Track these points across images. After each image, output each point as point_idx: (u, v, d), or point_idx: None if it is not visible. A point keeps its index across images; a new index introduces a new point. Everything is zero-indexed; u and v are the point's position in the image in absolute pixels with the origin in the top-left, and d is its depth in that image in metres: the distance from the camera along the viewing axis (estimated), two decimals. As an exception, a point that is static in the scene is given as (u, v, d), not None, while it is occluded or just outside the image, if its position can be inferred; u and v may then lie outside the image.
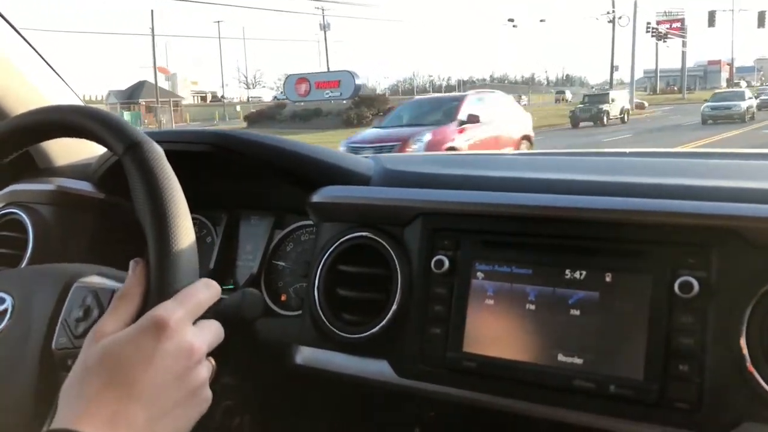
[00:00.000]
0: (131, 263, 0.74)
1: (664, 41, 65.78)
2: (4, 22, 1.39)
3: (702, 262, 0.86)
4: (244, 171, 1.29)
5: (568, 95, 74.25)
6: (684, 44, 74.99)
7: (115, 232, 1.40)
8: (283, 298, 1.31)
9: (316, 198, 1.17)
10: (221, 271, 1.40)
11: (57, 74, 1.54)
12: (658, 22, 73.48)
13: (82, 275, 0.90)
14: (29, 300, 0.90)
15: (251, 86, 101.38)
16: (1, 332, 0.86)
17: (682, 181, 1.02)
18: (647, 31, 58.80)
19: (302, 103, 37.54)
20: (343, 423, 1.24)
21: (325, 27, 56.88)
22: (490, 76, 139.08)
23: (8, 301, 0.88)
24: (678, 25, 73.67)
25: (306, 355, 1.12)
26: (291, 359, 1.13)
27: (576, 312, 0.91)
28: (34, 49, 1.48)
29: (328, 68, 51.96)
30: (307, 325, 1.13)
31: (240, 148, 1.23)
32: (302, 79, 37.86)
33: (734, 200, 0.89)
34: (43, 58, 1.50)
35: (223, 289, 1.14)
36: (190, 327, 0.68)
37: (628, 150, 1.56)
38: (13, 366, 0.85)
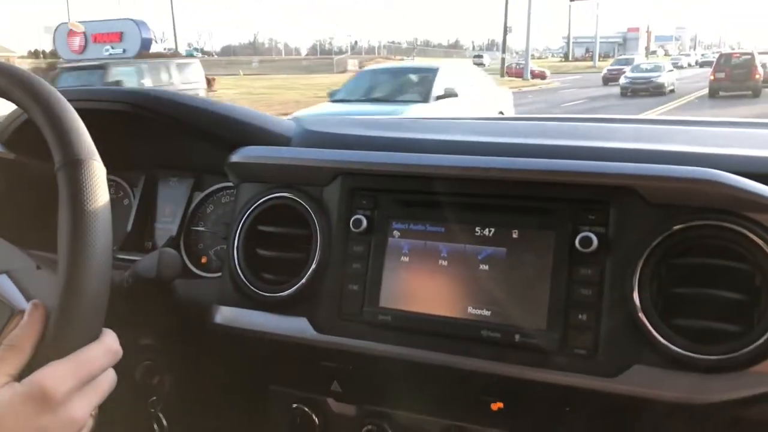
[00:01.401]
0: (29, 305, 0.73)
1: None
2: None
3: (601, 218, 0.98)
4: (162, 131, 1.33)
5: (486, 60, 75.91)
6: (597, 6, 78.11)
7: (27, 193, 1.41)
8: (203, 260, 1.38)
9: (235, 158, 1.23)
10: (139, 233, 1.44)
11: None
12: None
13: None
14: None
15: (158, 41, 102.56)
16: None
17: (584, 143, 1.13)
18: None
19: (80, 62, 27.49)
20: (263, 380, 1.31)
21: None
22: (415, 39, 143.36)
23: None
24: None
25: (225, 314, 1.19)
26: (210, 319, 1.20)
27: (485, 267, 1.02)
28: None
29: (174, 22, 43.66)
30: (227, 286, 1.20)
31: (157, 108, 1.27)
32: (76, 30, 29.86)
33: (631, 161, 1.01)
34: None
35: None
36: (77, 396, 0.68)
37: (537, 115, 1.78)
38: None
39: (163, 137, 1.38)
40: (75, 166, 0.73)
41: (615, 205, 0.98)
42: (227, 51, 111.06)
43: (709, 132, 1.36)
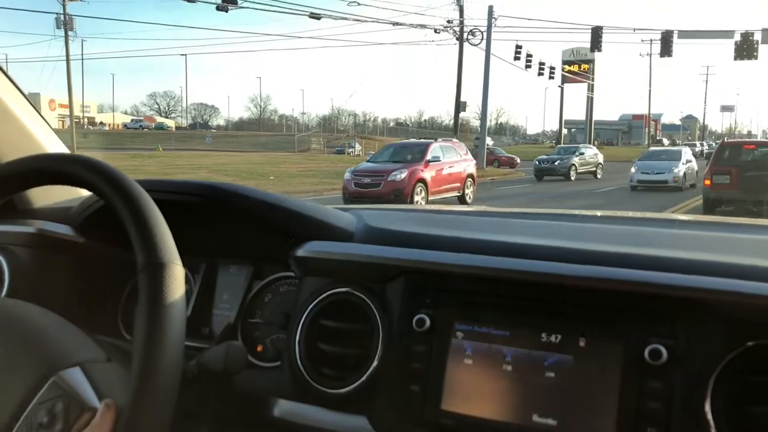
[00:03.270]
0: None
1: (551, 77, 55.52)
2: None
3: (670, 330, 1.01)
4: (228, 222, 1.42)
5: (488, 142, 77.72)
6: (590, 89, 69.22)
7: (94, 277, 1.52)
8: (259, 348, 1.44)
9: (301, 252, 1.30)
10: (198, 319, 1.52)
11: (44, 119, 1.68)
12: (569, 63, 77.54)
13: (63, 362, 0.93)
14: (8, 370, 0.94)
15: (164, 114, 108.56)
16: None
17: (651, 251, 1.17)
18: (516, 59, 47.14)
19: None
20: None
21: (65, 23, 43.59)
22: (421, 118, 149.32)
23: None
24: (589, 66, 77.82)
25: (285, 408, 1.25)
26: (269, 412, 1.25)
27: (551, 374, 1.06)
28: (23, 94, 1.61)
29: (70, 88, 43.27)
30: (286, 379, 1.24)
31: (226, 201, 1.36)
32: None
33: (701, 273, 1.04)
34: (30, 103, 1.63)
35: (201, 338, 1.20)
36: None
37: (600, 213, 1.91)
38: None
39: (228, 228, 1.45)
40: (157, 269, 0.83)
41: (684, 317, 1.02)
42: (236, 125, 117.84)
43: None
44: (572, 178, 32.78)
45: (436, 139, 22.02)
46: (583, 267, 1.11)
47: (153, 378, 0.78)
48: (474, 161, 22.17)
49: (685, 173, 25.46)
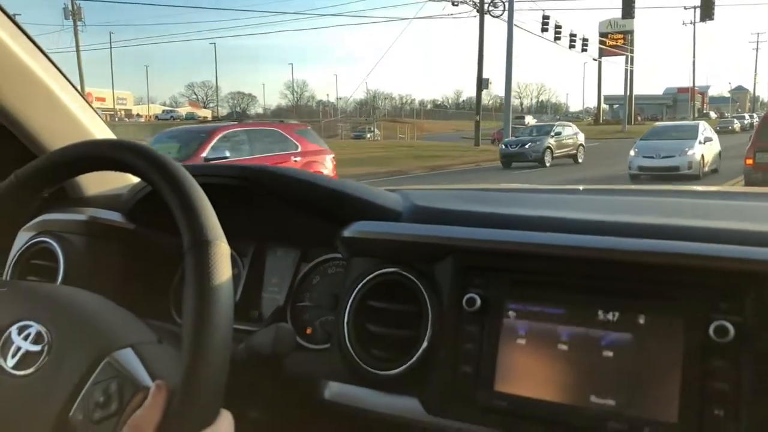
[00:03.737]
0: (153, 386, 0.82)
1: (584, 50, 54.19)
2: (43, 56, 1.57)
3: (737, 306, 0.97)
4: (275, 205, 1.43)
5: (528, 120, 65.81)
6: (630, 61, 66.75)
7: (145, 262, 1.58)
8: (308, 331, 1.46)
9: (348, 233, 1.30)
10: (247, 303, 1.55)
11: (92, 108, 1.72)
12: (606, 35, 76.28)
13: (116, 344, 0.96)
14: (64, 352, 0.97)
15: (203, 104, 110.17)
16: (37, 369, 0.95)
17: (714, 223, 1.12)
18: (544, 30, 46.30)
19: None
20: None
21: (74, 13, 45.63)
22: (459, 99, 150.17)
23: (46, 338, 0.98)
24: (625, 38, 75.43)
25: (335, 390, 1.26)
26: (319, 394, 1.26)
27: (609, 353, 1.03)
28: (70, 82, 1.65)
29: (81, 78, 45.51)
30: (336, 361, 1.25)
31: (275, 184, 1.38)
32: None
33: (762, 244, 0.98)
34: (79, 92, 1.68)
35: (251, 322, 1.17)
36: None
37: (654, 187, 1.93)
38: (34, 409, 0.94)
39: (276, 210, 1.47)
40: (203, 247, 0.84)
41: (753, 293, 0.97)
42: (274, 113, 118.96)
43: None
44: (547, 165, 26.68)
45: (240, 121, 14.57)
46: (643, 241, 1.08)
47: (203, 351, 0.81)
48: (330, 155, 14.52)
49: (703, 155, 19.52)
